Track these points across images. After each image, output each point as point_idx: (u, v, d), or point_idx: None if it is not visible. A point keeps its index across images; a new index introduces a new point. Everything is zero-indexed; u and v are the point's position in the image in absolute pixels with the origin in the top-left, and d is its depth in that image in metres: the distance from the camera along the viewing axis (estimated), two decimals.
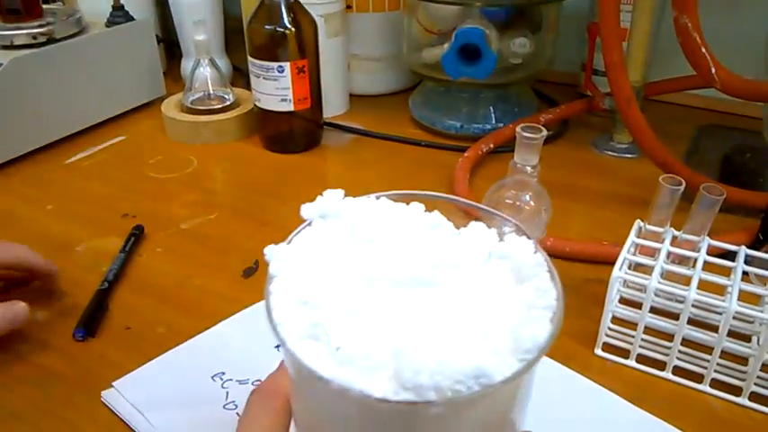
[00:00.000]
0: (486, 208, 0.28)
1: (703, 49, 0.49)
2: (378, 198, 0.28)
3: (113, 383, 0.43)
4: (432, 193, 0.28)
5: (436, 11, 0.75)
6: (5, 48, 0.73)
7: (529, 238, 0.26)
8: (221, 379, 0.43)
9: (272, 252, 0.25)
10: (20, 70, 0.71)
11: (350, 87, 0.87)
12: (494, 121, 0.78)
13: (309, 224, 0.27)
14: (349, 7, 0.83)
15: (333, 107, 0.84)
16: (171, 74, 0.98)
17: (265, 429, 0.26)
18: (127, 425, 0.40)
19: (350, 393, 0.21)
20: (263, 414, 0.27)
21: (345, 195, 0.28)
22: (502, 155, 0.72)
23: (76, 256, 0.57)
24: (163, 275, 0.55)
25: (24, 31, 0.73)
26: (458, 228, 0.28)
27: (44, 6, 0.78)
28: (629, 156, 0.73)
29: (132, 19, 0.84)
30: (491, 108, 0.79)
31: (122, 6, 0.83)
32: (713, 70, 0.49)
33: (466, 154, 0.70)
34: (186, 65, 0.92)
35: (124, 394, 0.42)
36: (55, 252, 0.57)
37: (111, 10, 0.83)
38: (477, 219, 0.28)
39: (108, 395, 0.42)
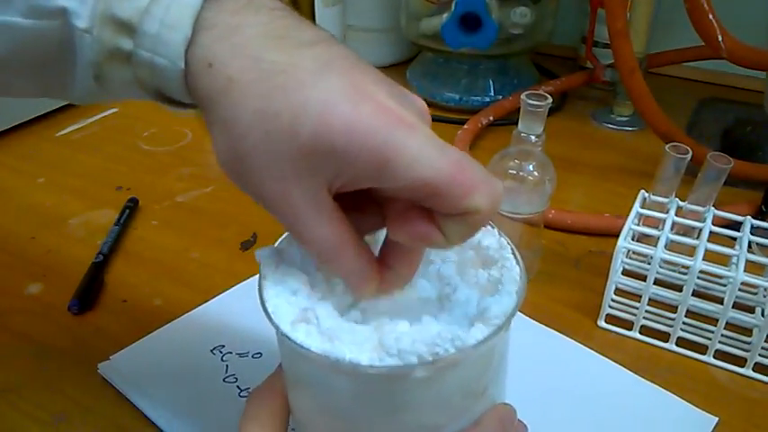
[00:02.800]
0: None
1: (711, 16, 0.48)
2: None
3: (111, 356, 0.42)
4: None
5: None
6: None
7: (492, 227, 0.29)
8: (221, 352, 0.43)
9: (261, 254, 0.27)
10: None
11: None
12: (493, 94, 0.76)
13: None
14: None
15: None
16: None
17: (264, 428, 0.27)
18: (125, 398, 0.40)
19: (340, 364, 0.23)
20: (262, 413, 0.28)
21: None
22: (502, 127, 0.71)
23: (70, 229, 0.56)
24: (159, 248, 0.54)
25: None
26: None
27: None
28: (629, 128, 0.73)
29: None
30: (490, 80, 0.77)
31: None
32: (720, 38, 0.48)
33: (465, 126, 0.69)
34: None
35: (122, 367, 0.41)
36: (48, 225, 0.56)
37: None
38: None
39: (105, 368, 0.41)
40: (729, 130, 0.74)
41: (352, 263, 0.25)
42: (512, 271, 0.26)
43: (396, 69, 0.88)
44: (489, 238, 0.28)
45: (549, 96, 0.43)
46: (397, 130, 0.22)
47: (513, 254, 0.27)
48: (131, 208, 0.57)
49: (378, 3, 0.85)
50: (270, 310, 0.25)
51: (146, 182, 0.63)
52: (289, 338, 0.24)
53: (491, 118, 0.71)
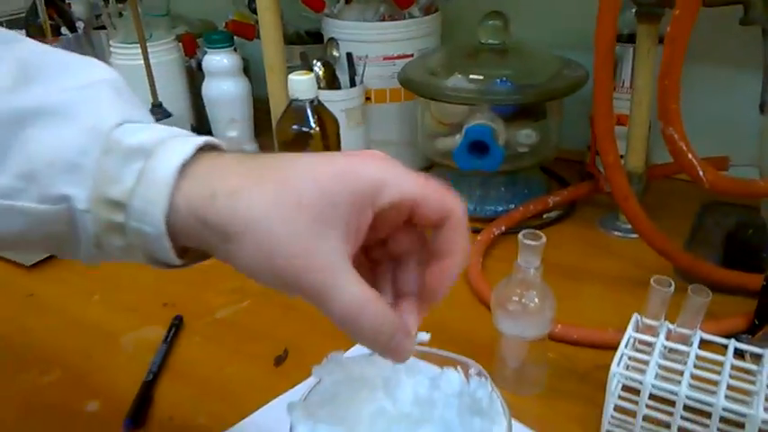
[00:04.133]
0: (453, 356, 0.37)
1: (690, 156, 0.54)
2: (371, 354, 0.35)
3: None
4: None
5: (447, 107, 0.81)
6: None
7: (486, 378, 0.34)
8: None
9: (292, 409, 0.33)
10: None
11: None
12: (505, 203, 0.82)
13: (319, 382, 0.35)
14: (368, 99, 0.90)
15: None
16: None
17: None
18: None
19: None
20: None
21: None
22: (512, 236, 0.76)
23: (123, 346, 0.63)
24: (200, 365, 0.60)
25: None
26: (435, 367, 0.36)
27: None
28: (635, 235, 0.77)
29: (170, 115, 0.91)
30: (502, 189, 0.84)
31: (161, 104, 0.91)
32: (701, 173, 0.54)
33: (479, 238, 0.75)
34: None
35: None
36: (102, 342, 0.63)
37: (150, 107, 0.91)
38: (448, 364, 0.36)
39: None
40: (731, 234, 0.78)
41: (383, 316, 0.29)
42: (501, 426, 0.32)
43: None
44: (482, 390, 0.33)
45: (542, 235, 0.49)
46: (380, 161, 0.30)
47: (502, 406, 0.32)
48: (177, 326, 0.64)
49: (397, 121, 0.93)
50: None
51: (189, 297, 0.70)
52: None
53: (503, 228, 0.77)
